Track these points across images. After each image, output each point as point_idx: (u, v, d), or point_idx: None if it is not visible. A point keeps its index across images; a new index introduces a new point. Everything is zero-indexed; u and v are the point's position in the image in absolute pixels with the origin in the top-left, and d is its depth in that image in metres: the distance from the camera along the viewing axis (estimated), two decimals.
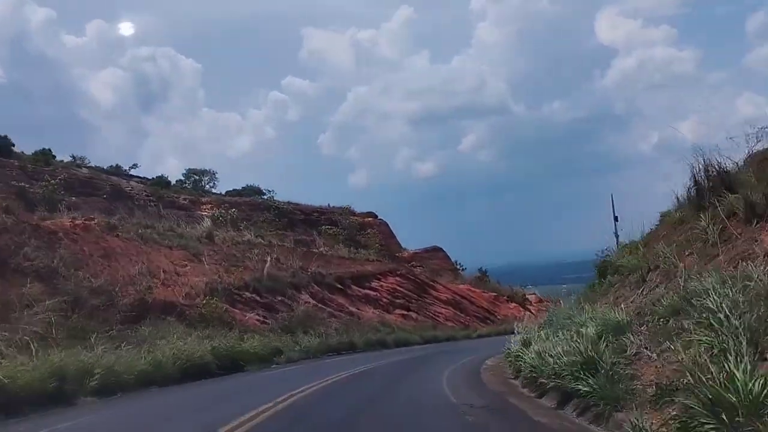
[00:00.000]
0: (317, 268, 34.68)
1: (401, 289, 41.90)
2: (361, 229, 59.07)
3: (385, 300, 38.92)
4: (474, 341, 36.14)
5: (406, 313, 39.41)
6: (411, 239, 70.63)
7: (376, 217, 67.38)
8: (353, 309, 33.97)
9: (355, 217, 60.70)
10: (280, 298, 28.29)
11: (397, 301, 40.07)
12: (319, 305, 30.67)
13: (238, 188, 59.64)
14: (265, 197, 57.42)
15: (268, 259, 29.41)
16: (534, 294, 77.92)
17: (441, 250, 76.44)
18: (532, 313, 70.34)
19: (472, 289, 59.34)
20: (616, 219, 32.17)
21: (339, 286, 35.44)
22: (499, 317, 55.16)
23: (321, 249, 41.30)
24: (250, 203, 54.51)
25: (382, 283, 40.71)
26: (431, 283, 48.89)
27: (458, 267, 75.37)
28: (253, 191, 59.30)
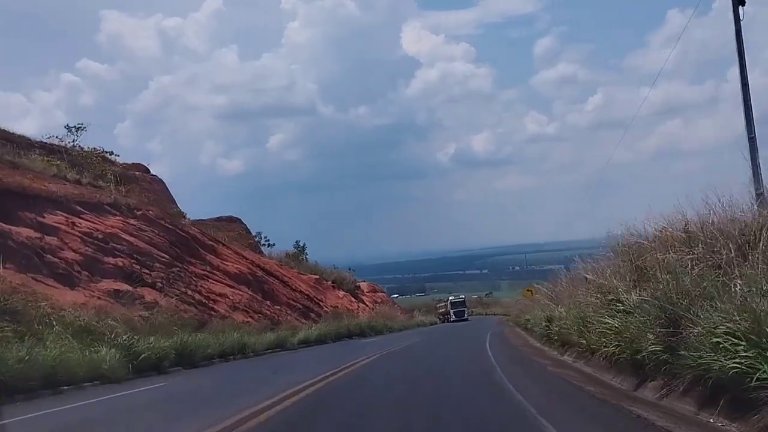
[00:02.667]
0: None
1: (132, 239, 18.42)
2: (120, 181, 33.39)
3: (71, 257, 15.21)
4: (300, 357, 14.28)
5: (131, 290, 16.09)
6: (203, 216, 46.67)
7: (148, 171, 44.09)
8: None
9: (111, 166, 35.12)
10: None
11: (113, 261, 16.56)
12: None
13: None
14: None
15: None
16: (364, 281, 58.49)
17: (238, 220, 54.73)
18: (366, 304, 50.11)
19: (284, 267, 37.70)
20: None
21: None
22: (326, 309, 34.14)
23: None
24: None
25: (75, 219, 16.82)
26: (210, 242, 25.85)
27: (263, 242, 54.13)
28: None
